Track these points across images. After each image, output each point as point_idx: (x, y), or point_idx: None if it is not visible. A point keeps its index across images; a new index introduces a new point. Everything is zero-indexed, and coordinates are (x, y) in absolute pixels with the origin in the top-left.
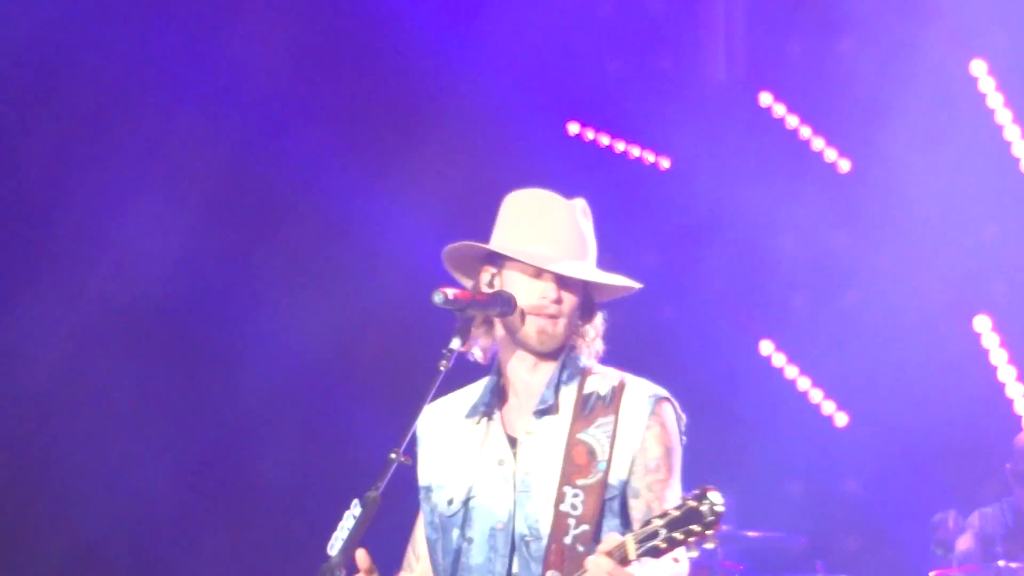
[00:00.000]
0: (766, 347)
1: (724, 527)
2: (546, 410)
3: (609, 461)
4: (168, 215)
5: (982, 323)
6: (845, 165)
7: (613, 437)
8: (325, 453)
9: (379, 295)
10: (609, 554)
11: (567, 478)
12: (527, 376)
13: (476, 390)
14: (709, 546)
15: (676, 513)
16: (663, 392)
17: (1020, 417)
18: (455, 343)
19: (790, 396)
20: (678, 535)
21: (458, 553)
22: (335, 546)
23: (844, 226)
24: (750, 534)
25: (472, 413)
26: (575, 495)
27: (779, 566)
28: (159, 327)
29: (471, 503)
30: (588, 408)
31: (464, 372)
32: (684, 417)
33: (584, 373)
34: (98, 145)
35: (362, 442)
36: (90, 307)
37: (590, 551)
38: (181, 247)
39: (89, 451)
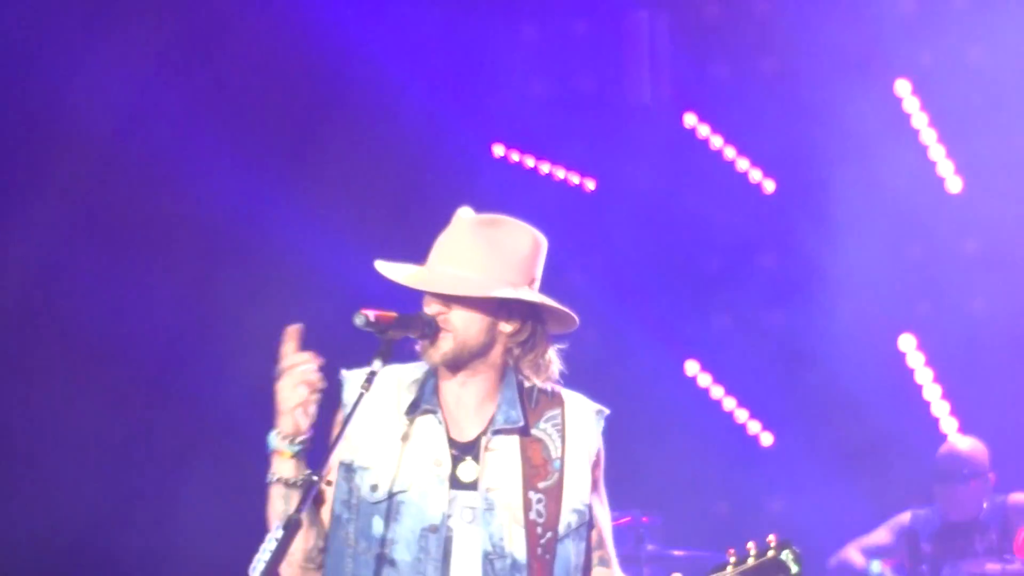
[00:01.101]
0: (691, 367)
1: (650, 546)
2: (502, 430)
3: (563, 459)
4: (55, 224)
5: (907, 342)
6: (770, 185)
7: (563, 435)
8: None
9: (304, 311)
10: None
11: (529, 482)
12: (457, 389)
13: (412, 377)
14: None
15: (753, 563)
16: (605, 410)
17: (946, 435)
18: (376, 365)
19: (716, 416)
20: None
21: (381, 544)
22: (257, 568)
23: (770, 246)
24: (676, 553)
25: (412, 411)
26: (539, 500)
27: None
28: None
29: (399, 497)
30: (534, 401)
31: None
32: None
33: (525, 392)
34: None
35: None
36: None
37: (554, 559)
38: (76, 259)
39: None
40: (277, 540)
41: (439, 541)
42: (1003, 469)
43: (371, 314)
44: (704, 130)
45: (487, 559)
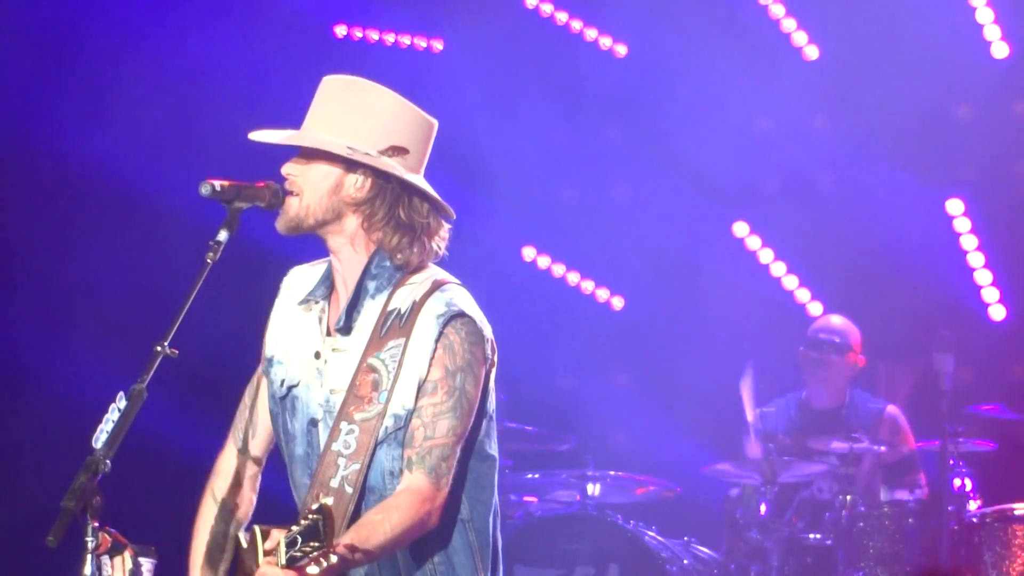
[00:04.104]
0: (528, 252)
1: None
2: (342, 329)
3: (391, 391)
4: None
5: (741, 228)
6: (622, 50)
7: (400, 363)
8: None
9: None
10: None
11: (345, 413)
12: (340, 267)
13: (321, 267)
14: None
15: (305, 523)
16: (457, 308)
17: (803, 305)
18: (222, 235)
19: (562, 292)
20: (299, 551)
21: (287, 439)
22: (100, 439)
23: (616, 120)
24: (518, 430)
25: (303, 301)
26: (350, 431)
27: (548, 463)
28: None
29: (294, 391)
30: (385, 328)
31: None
32: (484, 333)
33: (398, 283)
34: None
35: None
36: None
37: (359, 491)
38: None
39: None
40: (120, 410)
41: (318, 435)
42: None
43: (217, 183)
44: (547, 8)
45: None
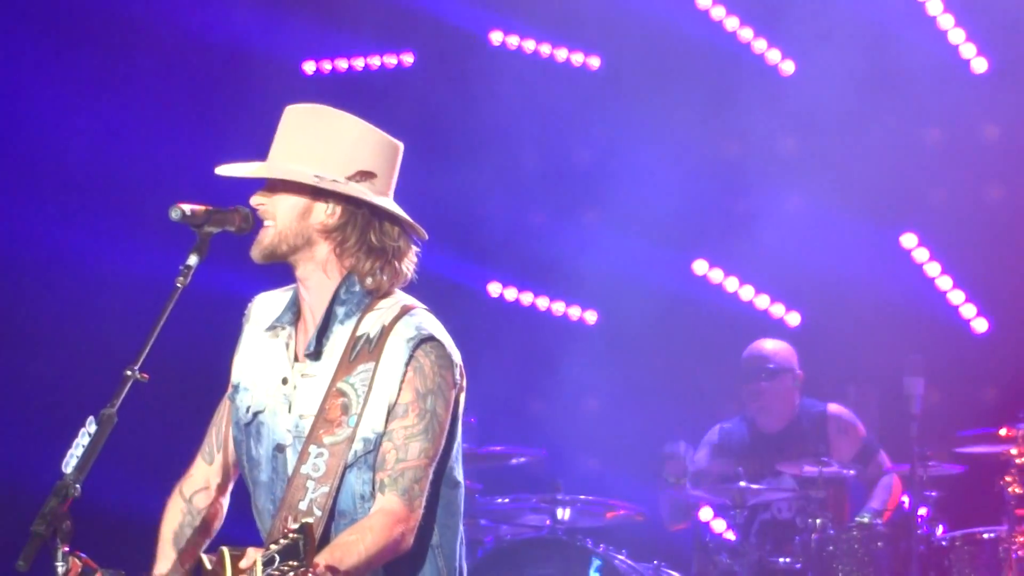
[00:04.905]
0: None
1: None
2: (312, 355)
3: (360, 415)
4: None
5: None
6: (595, 62)
7: (370, 387)
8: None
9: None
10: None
11: (315, 436)
12: (308, 294)
13: (288, 294)
14: None
15: (285, 543)
16: (427, 332)
17: (780, 320)
18: (192, 259)
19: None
20: (277, 570)
21: (251, 466)
22: (70, 464)
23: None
24: (488, 453)
25: (270, 328)
26: (319, 455)
27: (518, 488)
28: None
29: (259, 417)
30: (355, 353)
31: None
32: (453, 358)
33: (366, 308)
34: None
35: None
36: None
37: (328, 514)
38: None
39: None
40: (90, 435)
41: (285, 460)
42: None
43: (187, 208)
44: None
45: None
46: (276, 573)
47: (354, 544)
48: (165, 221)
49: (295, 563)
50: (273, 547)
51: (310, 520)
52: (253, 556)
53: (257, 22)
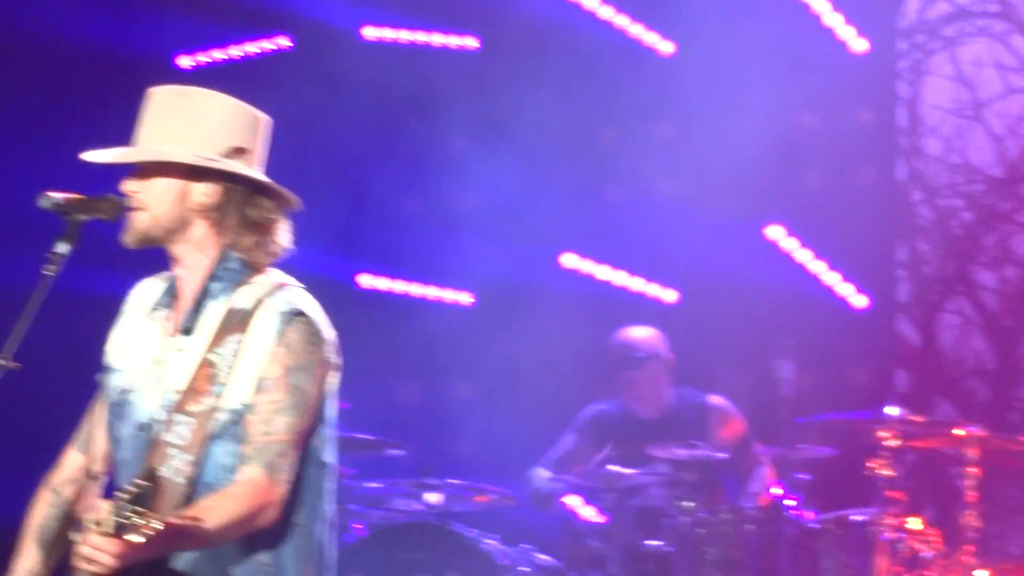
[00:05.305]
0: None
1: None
2: (187, 331)
3: (227, 385)
4: None
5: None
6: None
7: (238, 357)
8: None
9: None
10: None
11: (181, 405)
12: (185, 274)
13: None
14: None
15: (133, 491)
16: (297, 307)
17: (656, 300)
18: (61, 247)
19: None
20: (125, 518)
21: (116, 445)
22: None
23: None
24: (360, 440)
25: (148, 311)
26: (184, 423)
27: (389, 473)
28: None
29: (128, 396)
30: (227, 325)
31: None
32: (324, 334)
33: (240, 283)
34: None
35: None
36: None
37: (191, 484)
38: None
39: None
40: None
41: (147, 440)
42: None
43: (57, 196)
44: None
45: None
46: (125, 521)
47: (211, 509)
48: (33, 230)
49: (143, 510)
50: (121, 495)
51: (163, 474)
52: (105, 507)
53: (120, 22)
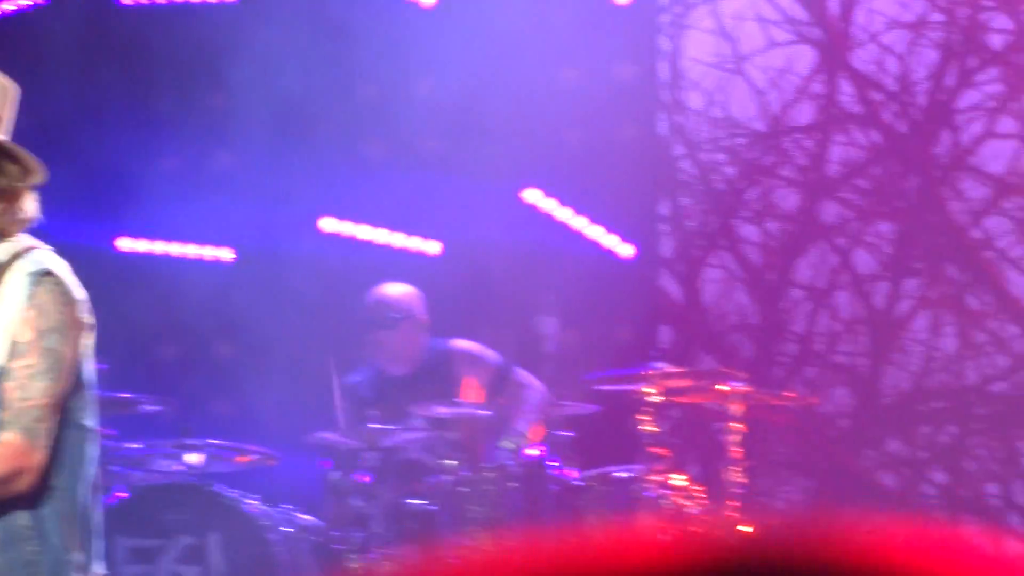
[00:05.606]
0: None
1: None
2: None
3: None
4: None
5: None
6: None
7: None
8: None
9: None
10: None
11: None
12: None
13: None
14: None
15: None
16: (46, 268)
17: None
18: None
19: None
20: None
21: None
22: None
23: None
24: (119, 400)
25: None
26: None
27: (150, 433)
28: None
29: None
30: None
31: None
32: (75, 294)
33: None
34: None
35: None
36: None
37: None
38: None
39: None
40: None
41: None
42: None
43: None
44: None
45: None
46: None
47: None
48: None
49: None
50: None
51: None
52: None
53: None
